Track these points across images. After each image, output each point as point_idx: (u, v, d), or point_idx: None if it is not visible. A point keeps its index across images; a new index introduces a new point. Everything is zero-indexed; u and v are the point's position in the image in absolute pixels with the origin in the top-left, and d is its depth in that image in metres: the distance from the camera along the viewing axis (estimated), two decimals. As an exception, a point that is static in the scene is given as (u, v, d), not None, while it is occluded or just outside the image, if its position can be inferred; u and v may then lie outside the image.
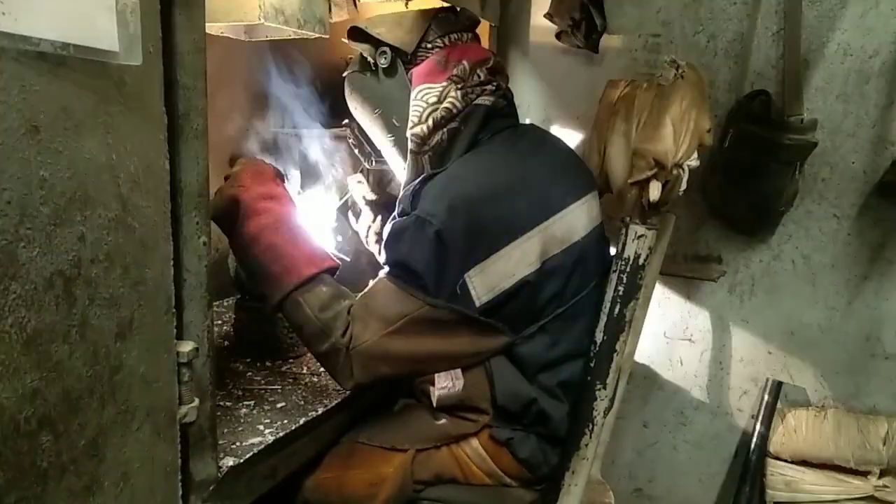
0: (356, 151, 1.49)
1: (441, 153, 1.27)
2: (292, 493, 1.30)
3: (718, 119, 1.74)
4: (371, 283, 1.22)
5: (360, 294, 1.21)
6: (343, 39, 1.34)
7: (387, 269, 1.20)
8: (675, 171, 1.22)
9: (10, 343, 0.60)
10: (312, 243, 1.23)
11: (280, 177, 1.30)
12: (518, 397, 1.21)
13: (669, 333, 1.99)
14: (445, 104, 1.24)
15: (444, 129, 1.25)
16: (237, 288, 1.45)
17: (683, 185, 1.24)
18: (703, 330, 1.96)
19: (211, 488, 0.95)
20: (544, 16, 1.80)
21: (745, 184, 1.69)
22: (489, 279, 1.15)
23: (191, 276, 0.85)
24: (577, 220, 1.25)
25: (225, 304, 1.81)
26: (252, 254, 1.18)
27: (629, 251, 1.18)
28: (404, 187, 1.30)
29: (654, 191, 1.23)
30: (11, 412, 0.61)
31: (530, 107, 1.98)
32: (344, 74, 1.38)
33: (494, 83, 1.30)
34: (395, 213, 1.29)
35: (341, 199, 1.73)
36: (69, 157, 0.64)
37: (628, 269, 1.18)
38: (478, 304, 1.15)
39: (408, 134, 1.25)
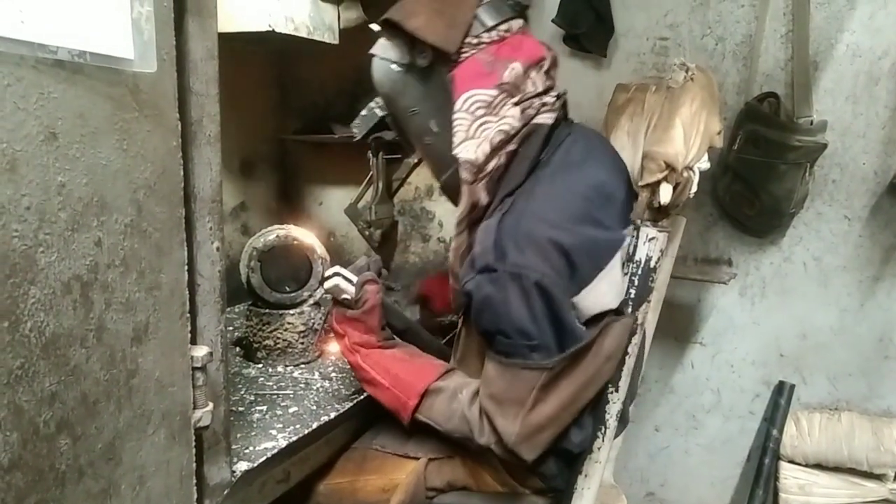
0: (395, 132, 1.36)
1: (497, 178, 1.15)
2: (305, 499, 1.30)
3: (727, 121, 1.73)
4: (486, 366, 1.13)
5: (477, 384, 1.14)
6: (371, 25, 1.24)
7: (491, 343, 1.11)
8: (685, 174, 1.21)
9: (29, 347, 0.61)
10: (404, 367, 1.21)
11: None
12: None
13: (680, 337, 1.98)
14: (502, 125, 1.12)
15: (502, 153, 1.13)
16: (249, 294, 1.46)
17: (694, 188, 1.24)
18: (714, 333, 1.95)
19: (225, 492, 0.96)
20: (552, 20, 1.81)
21: (754, 186, 1.68)
22: (580, 314, 1.10)
23: (204, 281, 0.86)
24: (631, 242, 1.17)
25: (236, 310, 1.82)
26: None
27: (641, 254, 1.17)
28: (459, 218, 1.18)
29: (665, 193, 1.22)
30: (31, 415, 0.62)
31: (538, 111, 1.98)
32: (371, 53, 1.21)
33: (554, 94, 1.19)
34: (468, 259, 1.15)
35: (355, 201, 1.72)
36: (86, 164, 0.65)
37: (640, 272, 1.17)
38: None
39: (458, 155, 1.13)
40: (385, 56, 1.18)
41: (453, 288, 1.26)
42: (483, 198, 1.16)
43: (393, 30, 1.13)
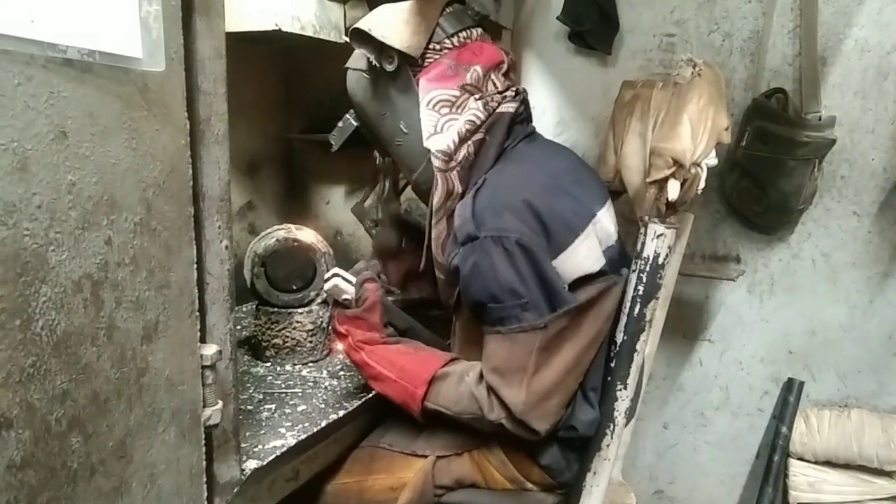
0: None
1: (469, 167, 1.22)
2: (313, 498, 1.30)
3: (735, 118, 1.73)
4: (485, 343, 1.16)
5: (478, 363, 1.17)
6: (344, 38, 1.31)
7: (485, 316, 1.15)
8: (693, 170, 1.21)
9: (40, 345, 0.61)
10: (409, 359, 1.23)
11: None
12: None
13: (688, 334, 1.98)
14: (468, 116, 1.20)
15: (470, 142, 1.21)
16: (252, 295, 1.46)
17: (702, 184, 1.23)
18: (723, 330, 1.94)
19: (234, 490, 0.96)
20: (557, 18, 1.80)
21: (763, 182, 1.67)
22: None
23: (213, 280, 0.86)
24: (609, 222, 1.24)
25: (244, 309, 1.82)
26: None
27: (649, 250, 1.17)
28: (436, 207, 1.24)
29: (673, 190, 1.22)
30: (42, 413, 0.62)
31: (545, 109, 1.97)
32: (346, 67, 1.31)
33: (514, 88, 1.27)
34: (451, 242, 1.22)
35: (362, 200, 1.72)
36: (96, 162, 0.65)
37: (648, 269, 1.17)
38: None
39: (429, 148, 1.20)
40: (356, 66, 1.28)
41: (440, 278, 1.28)
42: (457, 186, 1.23)
43: (362, 39, 1.20)
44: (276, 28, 1.47)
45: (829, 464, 1.79)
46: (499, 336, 1.12)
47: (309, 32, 1.55)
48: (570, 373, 1.14)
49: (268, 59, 2.03)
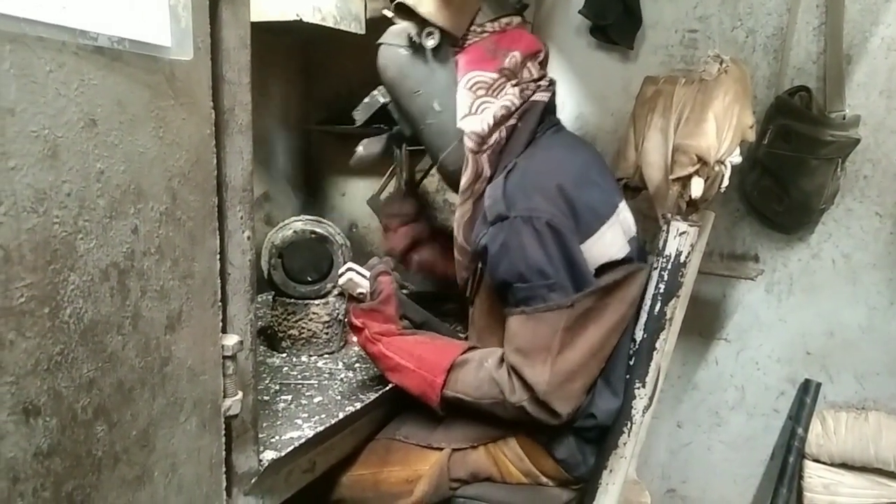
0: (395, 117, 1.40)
1: (499, 151, 1.24)
2: (329, 489, 1.31)
3: (758, 115, 1.70)
4: (508, 325, 1.16)
5: (502, 351, 1.17)
6: (384, 11, 1.31)
7: (509, 297, 1.15)
8: (717, 168, 1.20)
9: (68, 333, 0.61)
10: (427, 348, 1.23)
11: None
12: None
13: (704, 333, 1.96)
14: (504, 102, 1.21)
15: (503, 127, 1.23)
16: (269, 285, 1.46)
17: (726, 182, 1.22)
18: (739, 329, 1.92)
19: (252, 481, 0.96)
20: (579, 12, 1.79)
21: (784, 181, 1.65)
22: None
23: (235, 270, 0.86)
24: (629, 215, 1.26)
25: (259, 299, 1.83)
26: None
27: (671, 248, 1.16)
28: (464, 186, 1.25)
29: (696, 187, 1.21)
30: (69, 401, 0.62)
31: (564, 103, 1.95)
32: (379, 42, 1.32)
33: (547, 78, 1.29)
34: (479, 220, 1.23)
35: (380, 191, 1.71)
36: (124, 151, 0.65)
37: (669, 267, 1.16)
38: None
39: (462, 128, 1.22)
40: (392, 42, 1.28)
41: (458, 260, 1.28)
42: (486, 169, 1.24)
43: (406, 13, 1.23)
44: (298, 18, 1.46)
45: (844, 466, 1.77)
46: (523, 316, 1.12)
47: (330, 23, 1.55)
48: (595, 355, 1.14)
49: (287, 50, 2.03)
